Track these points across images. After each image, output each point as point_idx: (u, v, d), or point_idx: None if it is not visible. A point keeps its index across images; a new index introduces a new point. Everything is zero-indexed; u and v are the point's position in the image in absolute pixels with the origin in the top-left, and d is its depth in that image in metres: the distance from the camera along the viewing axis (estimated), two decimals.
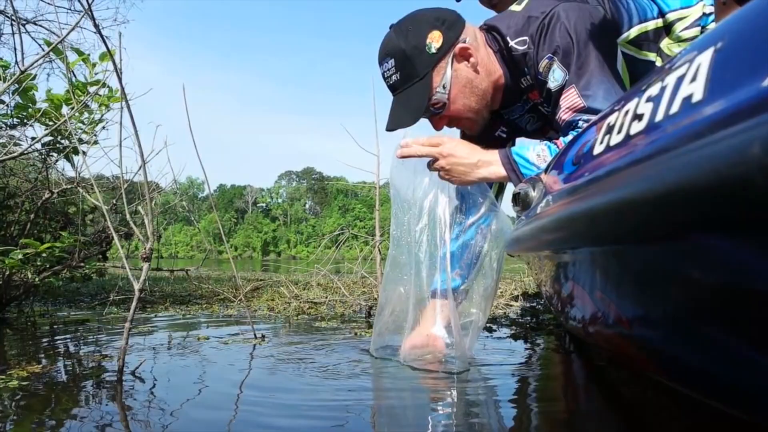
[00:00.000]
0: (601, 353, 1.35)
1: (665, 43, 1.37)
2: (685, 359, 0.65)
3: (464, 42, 1.36)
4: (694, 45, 0.53)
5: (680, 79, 0.50)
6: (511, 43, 1.36)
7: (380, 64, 1.41)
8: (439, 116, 1.43)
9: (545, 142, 1.29)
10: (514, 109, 1.52)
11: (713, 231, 0.41)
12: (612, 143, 0.61)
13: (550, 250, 0.95)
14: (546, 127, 1.54)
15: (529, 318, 2.31)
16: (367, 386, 1.21)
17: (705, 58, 0.47)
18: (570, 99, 1.26)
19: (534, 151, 1.28)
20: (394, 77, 1.38)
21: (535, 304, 2.81)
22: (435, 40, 1.35)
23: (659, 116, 0.51)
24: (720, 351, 0.57)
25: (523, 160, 1.29)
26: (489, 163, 1.33)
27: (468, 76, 1.39)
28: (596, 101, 1.21)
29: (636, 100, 0.59)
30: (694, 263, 0.49)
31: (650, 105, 0.54)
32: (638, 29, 1.36)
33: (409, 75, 1.36)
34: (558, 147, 1.25)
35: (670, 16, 1.36)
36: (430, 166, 1.38)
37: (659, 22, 1.36)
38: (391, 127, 1.42)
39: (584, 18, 1.27)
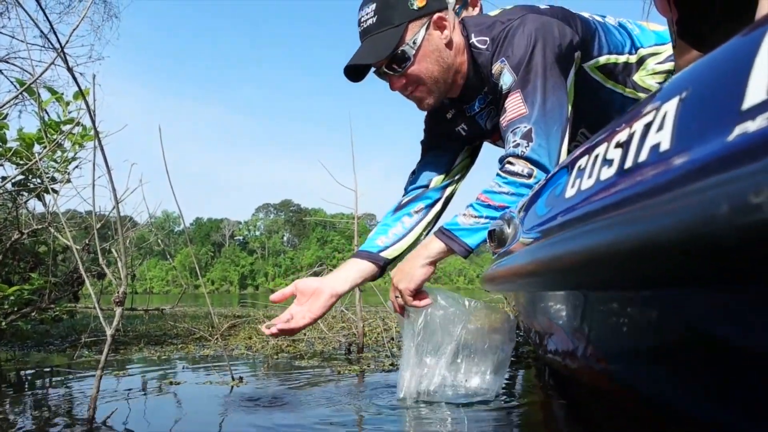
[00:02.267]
0: (580, 386, 1.35)
1: (638, 76, 1.43)
2: (660, 393, 0.66)
3: (444, 15, 1.42)
4: (661, 91, 0.55)
5: (647, 127, 0.51)
6: (473, 40, 1.44)
7: (361, 8, 1.45)
8: (399, 75, 1.44)
9: (469, 205, 1.35)
10: (475, 102, 1.57)
11: (678, 283, 0.42)
12: (583, 187, 0.62)
13: (524, 291, 0.95)
14: None
15: None
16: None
17: (671, 107, 0.49)
18: (514, 104, 1.32)
19: (460, 215, 1.34)
20: (370, 21, 1.42)
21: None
22: (419, 0, 1.41)
23: (628, 163, 0.52)
24: (694, 385, 0.57)
25: (454, 226, 1.33)
26: (424, 247, 1.39)
27: (438, 45, 1.43)
28: (535, 110, 1.29)
29: (605, 144, 0.60)
30: (660, 310, 0.50)
31: (619, 151, 0.55)
32: (607, 59, 1.43)
33: (385, 20, 1.40)
34: (481, 200, 1.32)
35: (643, 52, 1.43)
36: (396, 306, 1.43)
37: (631, 57, 1.43)
38: (354, 62, 1.43)
39: (546, 31, 1.33)
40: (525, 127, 1.29)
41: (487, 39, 1.41)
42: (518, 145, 1.30)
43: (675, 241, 0.37)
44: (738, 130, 0.35)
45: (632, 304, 0.59)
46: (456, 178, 1.70)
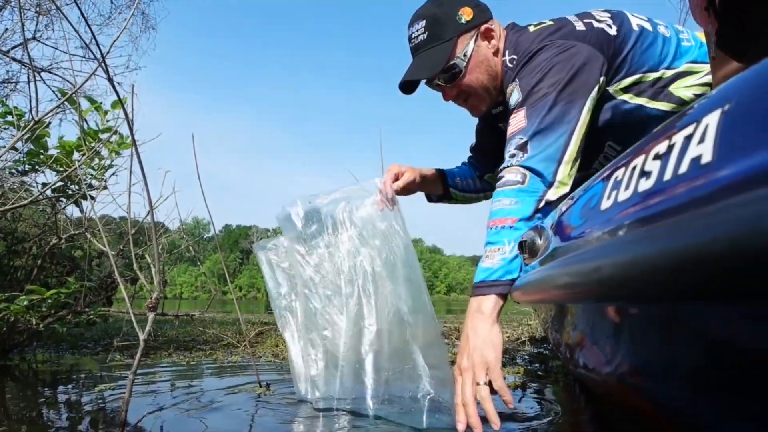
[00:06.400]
0: (612, 404, 1.32)
1: (673, 87, 1.37)
2: (693, 414, 0.64)
3: (491, 26, 1.49)
4: (702, 104, 0.54)
5: (688, 139, 0.50)
6: (506, 57, 1.47)
7: (410, 26, 1.52)
8: (451, 86, 1.51)
9: (484, 244, 1.26)
10: None
11: (719, 296, 0.41)
12: (620, 199, 0.61)
13: (556, 302, 0.94)
14: None
15: (537, 365, 2.26)
16: None
17: (713, 119, 0.48)
18: (516, 119, 1.33)
19: (483, 260, 1.24)
20: (420, 37, 1.49)
21: (542, 349, 2.76)
22: (466, 14, 1.47)
23: (667, 175, 0.51)
24: (733, 409, 0.55)
25: (484, 273, 1.21)
26: (477, 310, 1.19)
27: (487, 54, 1.49)
28: (534, 123, 1.27)
29: (643, 156, 0.59)
30: (699, 326, 0.49)
31: (658, 163, 0.54)
32: (638, 78, 1.37)
33: (435, 36, 1.47)
34: (491, 227, 1.24)
35: (685, 67, 1.36)
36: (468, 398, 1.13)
37: (667, 72, 1.37)
38: (408, 77, 1.51)
39: (567, 57, 1.31)
40: (521, 139, 1.29)
41: (516, 58, 1.44)
42: (513, 155, 1.30)
43: (712, 254, 0.36)
44: None
45: (669, 320, 0.58)
46: None
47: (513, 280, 1.17)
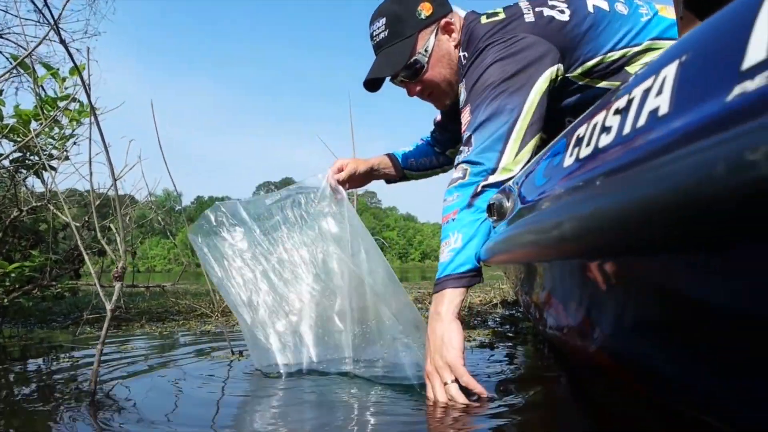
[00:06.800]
0: (579, 362, 1.36)
1: (632, 67, 1.35)
2: (660, 369, 0.66)
3: (450, 19, 1.49)
4: (660, 58, 0.54)
5: (647, 92, 0.50)
6: (461, 54, 1.48)
7: (371, 23, 1.54)
8: (415, 82, 1.53)
9: (441, 239, 1.29)
10: None
11: (680, 248, 0.41)
12: (581, 155, 0.61)
13: (522, 263, 0.95)
14: None
15: (508, 326, 2.31)
16: (341, 396, 1.19)
17: (670, 71, 0.48)
18: (464, 118, 1.36)
19: (441, 254, 1.26)
20: (382, 35, 1.51)
21: (514, 311, 2.82)
22: (425, 9, 1.48)
23: (626, 129, 0.51)
24: (696, 362, 0.57)
25: (439, 270, 1.24)
26: (435, 311, 1.20)
27: (448, 48, 1.50)
28: (477, 118, 1.29)
29: (604, 112, 0.59)
30: (660, 278, 0.49)
31: (618, 118, 0.54)
32: (597, 61, 1.36)
33: (396, 33, 1.49)
34: (444, 222, 1.27)
35: (646, 44, 1.34)
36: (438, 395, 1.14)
37: (629, 50, 1.35)
38: (371, 76, 1.53)
39: (512, 51, 1.31)
40: (466, 135, 1.32)
41: (467, 55, 1.44)
42: (461, 152, 1.33)
43: (672, 203, 0.37)
44: (737, 90, 0.35)
45: (627, 276, 0.59)
46: None
47: (468, 271, 1.20)
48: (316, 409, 1.13)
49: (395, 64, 1.48)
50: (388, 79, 1.57)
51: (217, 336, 2.21)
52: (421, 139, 1.95)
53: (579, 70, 1.37)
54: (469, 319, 2.58)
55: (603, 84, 1.38)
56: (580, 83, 1.38)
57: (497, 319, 2.58)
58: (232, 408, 1.14)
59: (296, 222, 1.54)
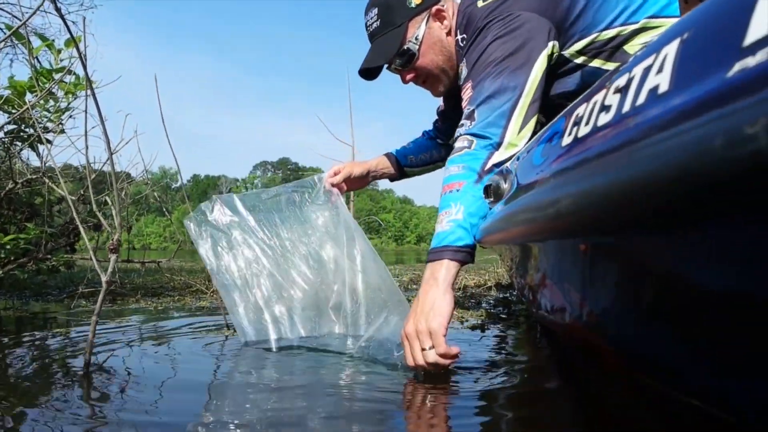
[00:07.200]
0: (571, 344, 1.37)
1: (629, 45, 1.33)
2: (650, 352, 0.66)
3: (442, 6, 1.52)
4: (662, 36, 0.53)
5: (647, 70, 0.50)
6: (458, 37, 1.50)
7: (366, 14, 1.58)
8: (408, 69, 1.56)
9: (439, 209, 1.29)
10: None
11: (678, 225, 0.42)
12: (580, 134, 0.61)
13: (517, 243, 0.95)
14: None
15: (501, 308, 2.33)
16: (328, 367, 1.21)
17: (671, 49, 0.47)
18: (465, 93, 1.38)
19: (437, 224, 1.24)
20: (374, 24, 1.55)
21: (507, 294, 2.84)
22: None
23: (626, 108, 0.51)
24: (688, 346, 0.58)
25: (436, 239, 1.21)
26: (431, 276, 1.18)
27: (440, 35, 1.53)
28: (480, 93, 1.31)
29: (604, 91, 0.59)
30: (659, 257, 0.50)
31: (617, 96, 0.54)
32: (592, 38, 1.34)
33: (387, 22, 1.52)
34: (444, 192, 1.27)
35: (643, 22, 1.30)
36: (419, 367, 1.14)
37: (625, 29, 1.32)
38: (365, 65, 1.56)
39: (510, 29, 1.31)
40: (469, 109, 1.33)
41: (465, 37, 1.45)
42: (462, 125, 1.34)
43: (669, 180, 0.37)
44: (738, 66, 0.35)
45: (620, 257, 0.59)
46: None
47: (466, 246, 1.18)
48: (302, 376, 1.14)
49: (387, 53, 1.52)
50: (385, 67, 1.60)
51: (213, 311, 2.22)
52: (423, 132, 1.98)
53: (574, 48, 1.36)
54: (463, 300, 2.60)
55: (599, 64, 1.37)
56: (576, 61, 1.37)
57: (491, 301, 2.60)
58: (223, 378, 1.15)
59: (291, 215, 1.61)
